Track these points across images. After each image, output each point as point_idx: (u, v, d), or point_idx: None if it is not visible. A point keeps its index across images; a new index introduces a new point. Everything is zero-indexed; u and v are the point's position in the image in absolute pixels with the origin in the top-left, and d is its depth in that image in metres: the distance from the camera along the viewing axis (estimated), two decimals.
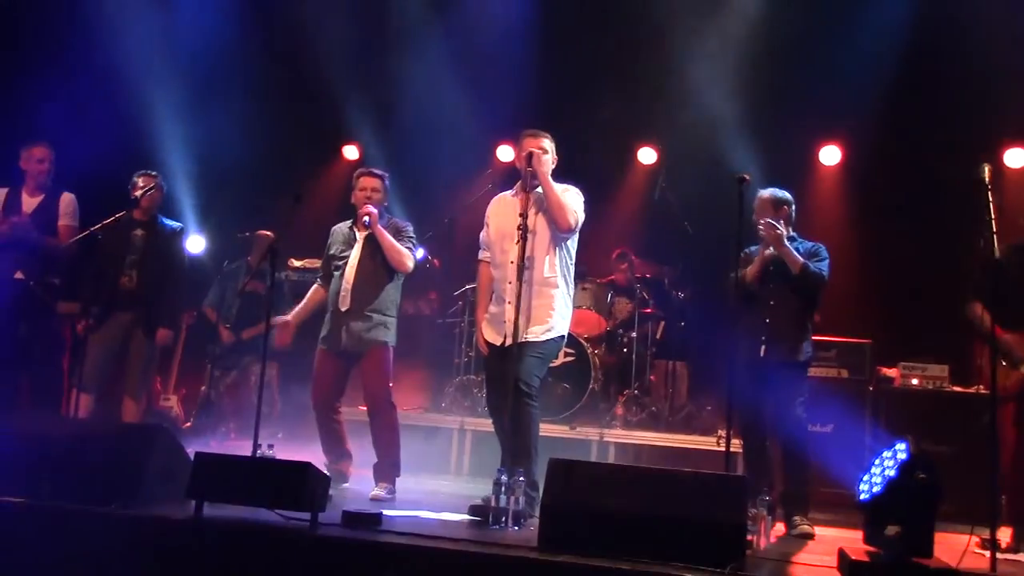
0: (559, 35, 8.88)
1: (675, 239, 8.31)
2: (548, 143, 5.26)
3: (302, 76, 9.43)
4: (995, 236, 4.79)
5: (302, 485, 4.19)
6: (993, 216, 4.80)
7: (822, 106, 8.46)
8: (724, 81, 8.46)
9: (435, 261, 8.51)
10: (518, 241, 5.02)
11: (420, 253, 7.64)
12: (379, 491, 5.53)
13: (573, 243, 5.33)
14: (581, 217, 5.21)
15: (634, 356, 7.96)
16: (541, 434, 5.24)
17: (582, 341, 7.60)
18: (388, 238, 5.69)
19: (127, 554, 4.10)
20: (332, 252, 5.91)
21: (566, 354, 7.42)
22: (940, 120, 8.12)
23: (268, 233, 8.30)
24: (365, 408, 5.85)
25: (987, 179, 4.80)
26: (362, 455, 5.89)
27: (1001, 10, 7.48)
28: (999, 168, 8.23)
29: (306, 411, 6.02)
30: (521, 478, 4.66)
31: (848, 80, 8.11)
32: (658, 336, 8.39)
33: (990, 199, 4.82)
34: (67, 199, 6.71)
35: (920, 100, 8.24)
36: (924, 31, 7.96)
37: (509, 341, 4.98)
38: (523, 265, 4.97)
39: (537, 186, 5.16)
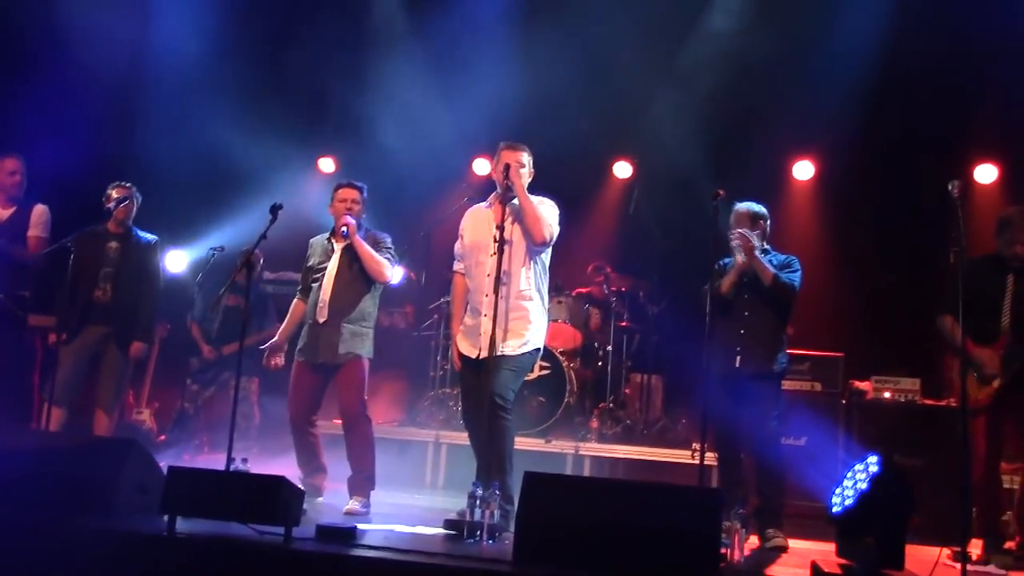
0: (535, 49, 8.91)
1: (650, 253, 8.36)
2: (526, 156, 5.29)
3: (278, 88, 9.42)
4: (965, 251, 4.87)
5: (276, 499, 4.17)
6: (963, 231, 4.87)
7: (796, 121, 8.54)
8: (699, 96, 8.52)
9: (412, 274, 8.50)
10: (493, 253, 5.03)
11: (399, 272, 7.64)
12: (354, 505, 5.51)
13: (547, 256, 5.35)
14: (556, 230, 5.23)
15: (609, 369, 7.99)
16: (516, 447, 5.24)
17: (557, 354, 7.61)
18: (366, 248, 5.69)
19: (100, 569, 4.07)
20: (310, 264, 5.90)
21: (541, 367, 7.44)
22: (912, 136, 8.21)
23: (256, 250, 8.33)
24: (340, 421, 5.83)
25: (957, 195, 4.88)
26: (337, 469, 5.86)
27: (973, 28, 7.58)
28: (970, 184, 8.33)
29: (283, 424, 5.99)
30: (496, 492, 4.66)
31: (821, 96, 8.19)
32: (633, 349, 8.42)
33: (960, 215, 4.90)
34: (39, 210, 6.65)
35: (892, 116, 8.34)
36: (897, 48, 8.06)
37: (484, 354, 4.99)
38: (499, 278, 4.98)
39: (513, 198, 5.18)
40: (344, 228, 5.68)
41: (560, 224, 5.30)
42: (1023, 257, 5.40)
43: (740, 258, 5.56)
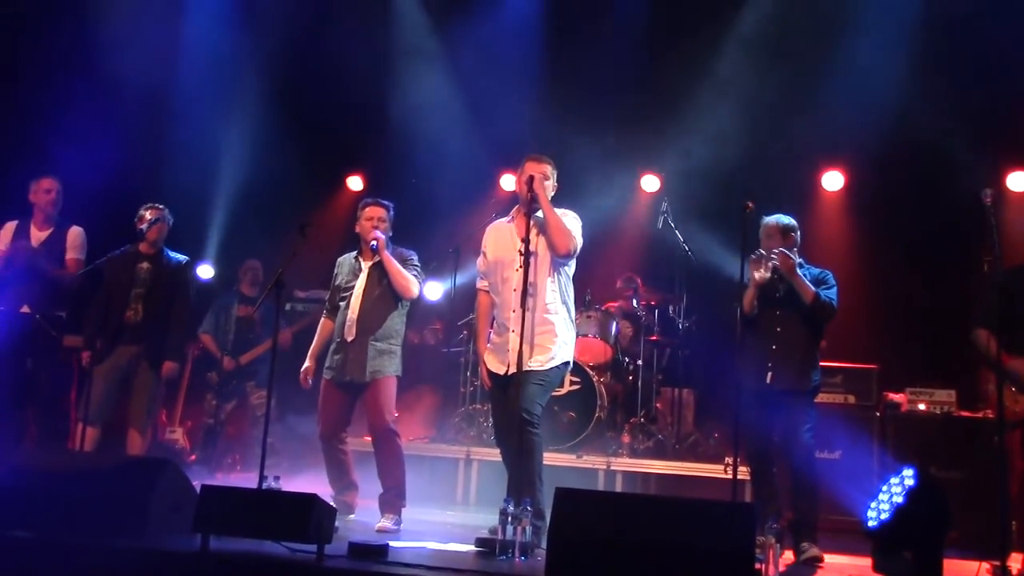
0: (562, 63, 8.94)
1: (679, 267, 8.32)
2: (550, 169, 5.28)
3: (307, 106, 9.50)
4: (999, 260, 4.81)
5: (308, 517, 4.17)
6: (996, 240, 4.82)
7: (824, 132, 8.49)
8: (726, 108, 8.50)
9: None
10: (519, 268, 5.03)
11: (439, 288, 7.65)
12: (385, 522, 5.51)
13: (572, 269, 5.33)
14: (580, 242, 5.22)
15: (640, 384, 7.95)
16: (548, 463, 5.22)
17: (588, 369, 7.58)
18: (395, 264, 5.71)
19: None
20: (338, 283, 5.93)
21: (572, 382, 7.41)
22: (943, 144, 8.12)
23: (255, 261, 8.40)
24: (370, 439, 5.84)
25: (990, 204, 4.83)
26: (368, 486, 5.87)
27: (1003, 36, 7.50)
28: (1002, 192, 8.23)
29: (306, 442, 6.02)
30: (528, 508, 4.64)
31: (850, 105, 8.14)
32: (664, 363, 8.37)
33: (993, 223, 4.84)
34: (74, 232, 6.75)
35: (922, 124, 8.24)
36: (926, 56, 8.00)
37: (512, 370, 4.98)
38: (526, 291, 4.97)
39: (537, 210, 5.17)
40: (374, 243, 5.70)
41: (586, 238, 5.29)
42: None
43: (757, 275, 5.50)
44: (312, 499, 4.24)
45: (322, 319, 6.03)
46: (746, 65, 8.47)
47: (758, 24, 8.62)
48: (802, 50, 8.35)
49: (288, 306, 8.20)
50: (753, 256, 5.48)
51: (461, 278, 8.35)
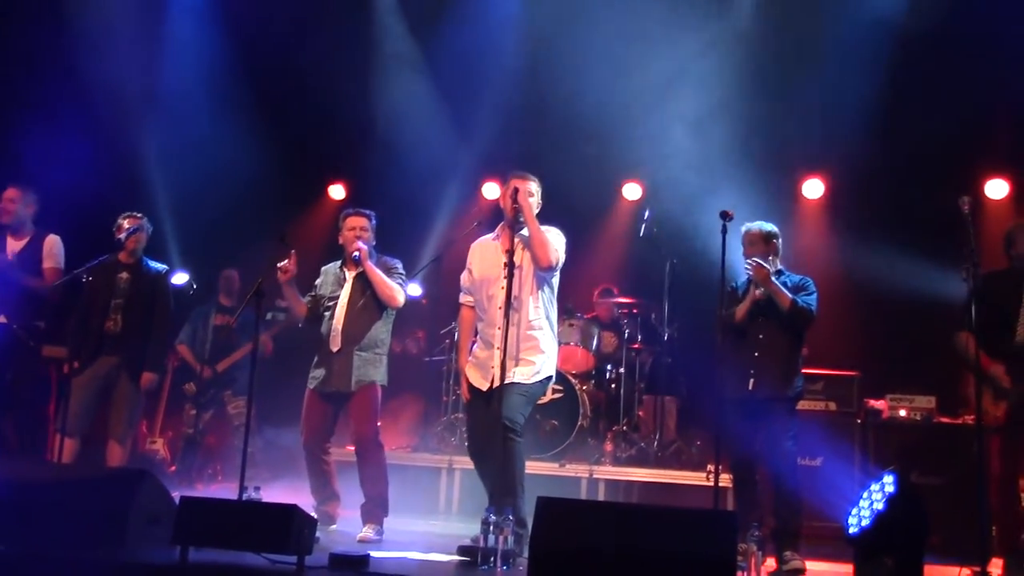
0: (544, 71, 8.94)
1: (662, 274, 8.33)
2: (534, 186, 5.30)
3: (289, 114, 9.47)
4: (977, 266, 4.85)
5: (288, 528, 4.15)
6: (975, 247, 4.85)
7: (805, 140, 8.54)
8: (707, 116, 8.53)
9: (423, 300, 8.51)
10: (503, 287, 5.03)
11: (417, 289, 7.65)
12: (367, 532, 5.49)
13: (555, 283, 5.34)
14: (562, 256, 5.25)
15: (622, 392, 7.95)
16: (530, 472, 5.22)
17: (570, 377, 7.59)
18: (378, 274, 5.70)
19: None
20: (321, 292, 5.90)
21: (554, 391, 7.39)
22: (922, 152, 8.17)
23: (233, 271, 8.38)
24: (352, 448, 5.82)
25: (967, 211, 4.87)
26: (350, 496, 5.85)
27: (983, 42, 7.55)
28: (981, 199, 8.30)
29: (285, 452, 5.99)
30: (509, 517, 4.63)
31: (831, 113, 8.19)
32: (646, 371, 8.38)
33: (971, 231, 4.88)
34: (51, 241, 6.69)
35: (902, 132, 8.30)
36: (906, 64, 8.05)
37: (497, 383, 4.97)
38: (510, 304, 4.97)
39: (522, 226, 5.18)
40: (356, 253, 5.69)
41: (570, 247, 5.31)
42: None
43: (759, 292, 5.52)
44: (292, 510, 4.21)
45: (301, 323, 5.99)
46: (728, 74, 8.50)
47: (740, 34, 8.65)
48: (782, 58, 8.39)
49: (269, 315, 8.16)
50: (750, 264, 5.49)
51: (443, 286, 8.33)
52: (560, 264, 5.24)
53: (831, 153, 8.74)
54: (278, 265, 5.64)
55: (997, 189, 8.55)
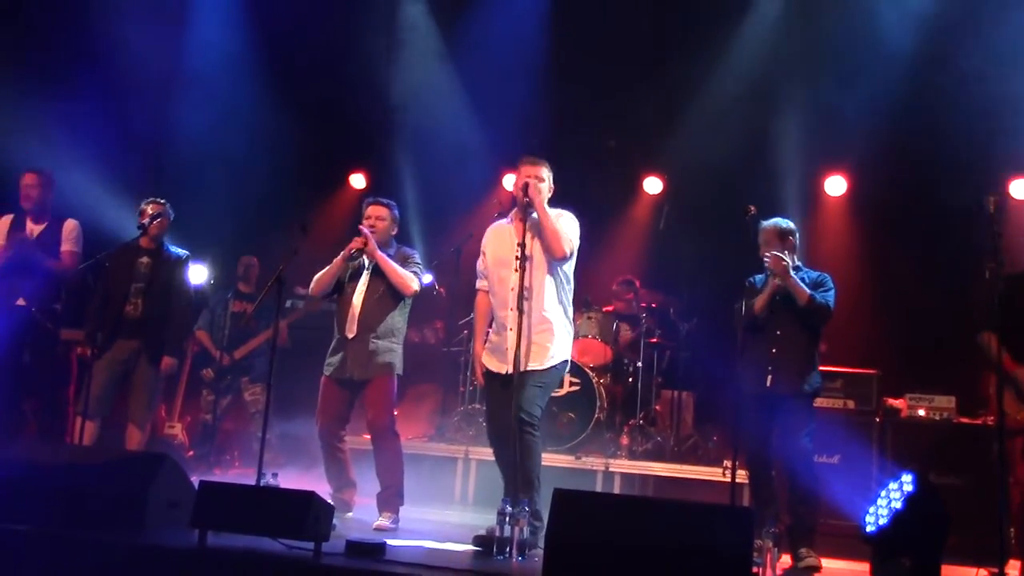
0: (567, 64, 8.92)
1: (680, 269, 8.32)
2: (545, 171, 5.27)
3: (309, 103, 9.49)
4: (1002, 266, 4.81)
5: (306, 514, 4.17)
6: (999, 246, 4.82)
7: (827, 136, 8.48)
8: (730, 112, 8.49)
9: (440, 289, 8.52)
10: (516, 269, 5.02)
11: (428, 278, 7.66)
12: (383, 521, 5.51)
13: (570, 269, 5.31)
14: (576, 244, 5.22)
15: (639, 386, 7.93)
16: (546, 464, 5.22)
17: (587, 370, 7.58)
18: (388, 262, 5.70)
19: None
20: (342, 279, 5.91)
21: (571, 383, 7.41)
22: (946, 151, 8.09)
23: (253, 258, 8.41)
24: (368, 437, 5.84)
25: (992, 210, 4.83)
26: (366, 485, 5.86)
27: (1007, 41, 7.49)
28: (1006, 199, 8.22)
29: (299, 440, 6.00)
30: (525, 508, 4.63)
31: (853, 110, 8.13)
32: (664, 366, 8.37)
33: (995, 230, 4.84)
34: (70, 225, 6.73)
35: (926, 130, 8.23)
36: (930, 60, 7.98)
37: (511, 370, 4.97)
38: (522, 294, 4.97)
39: (533, 214, 5.17)
40: (358, 244, 5.66)
41: (588, 239, 5.29)
42: None
43: (777, 281, 5.50)
44: (310, 496, 4.23)
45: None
46: (749, 68, 8.46)
47: (763, 28, 8.61)
48: (804, 53, 8.34)
49: (288, 303, 8.18)
50: (768, 257, 5.47)
51: (462, 277, 8.34)
52: (574, 252, 5.21)
53: (854, 150, 8.67)
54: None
55: (1022, 189, 8.46)
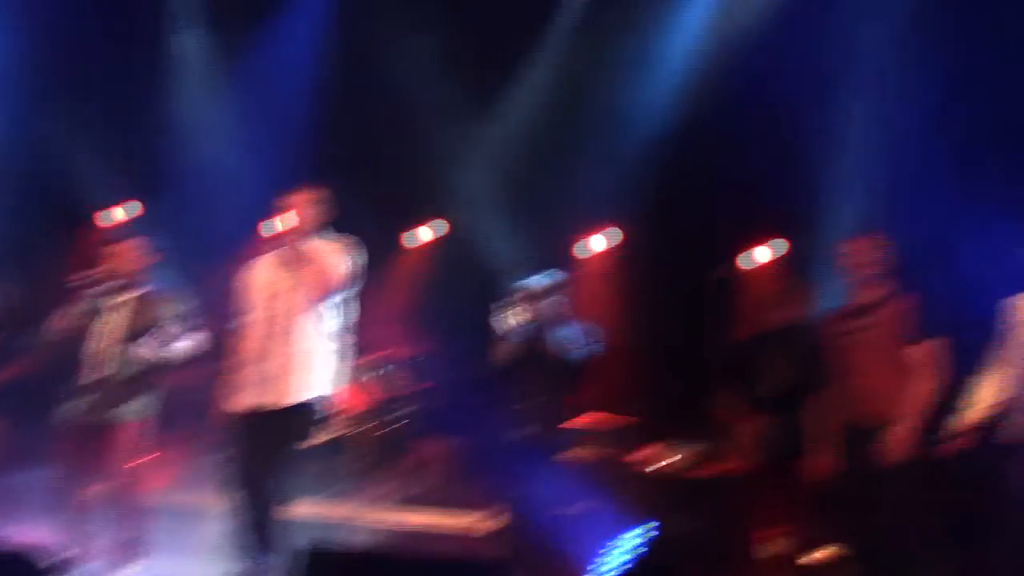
0: (339, 109, 8.90)
1: (454, 315, 8.38)
2: (313, 201, 5.17)
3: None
4: (743, 324, 5.17)
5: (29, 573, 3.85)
6: (737, 308, 5.17)
7: (592, 193, 8.77)
8: (492, 162, 8.72)
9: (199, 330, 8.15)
10: (277, 300, 4.92)
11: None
12: (122, 574, 5.27)
13: (339, 303, 5.22)
14: (345, 278, 5.14)
15: (403, 432, 7.91)
16: (300, 513, 5.09)
17: (350, 415, 7.48)
18: (145, 300, 5.45)
19: None
20: (82, 318, 5.59)
21: (333, 428, 7.27)
22: (695, 217, 8.51)
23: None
24: (106, 485, 5.50)
25: (728, 275, 5.21)
26: (106, 535, 5.53)
27: (751, 112, 7.98)
28: (748, 262, 8.74)
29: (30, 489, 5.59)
30: (267, 558, 4.50)
31: (616, 170, 8.50)
32: (430, 412, 8.37)
33: (733, 293, 5.21)
34: None
35: (685, 190, 8.59)
36: (687, 122, 8.43)
37: (266, 404, 4.84)
38: (284, 326, 4.87)
39: (300, 244, 5.08)
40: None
41: (360, 274, 5.23)
42: (780, 327, 5.71)
43: (516, 324, 5.64)
44: (24, 555, 3.91)
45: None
46: (514, 121, 8.75)
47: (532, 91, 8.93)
48: (568, 109, 8.70)
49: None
50: (511, 305, 5.62)
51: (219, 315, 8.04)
52: (343, 286, 5.12)
53: (619, 207, 9.01)
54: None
55: (764, 254, 8.97)
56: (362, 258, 5.24)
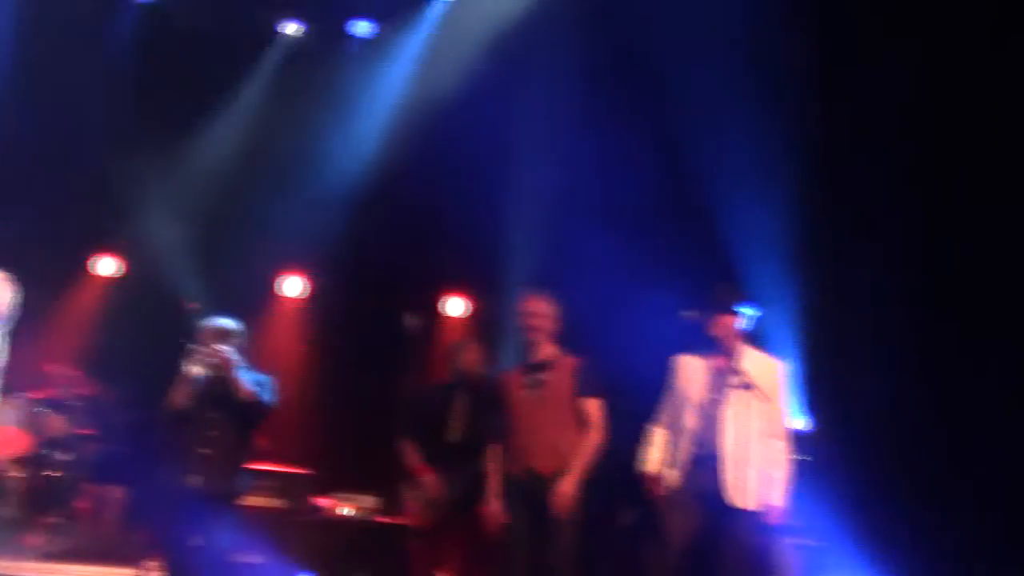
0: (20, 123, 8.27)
1: (125, 357, 7.95)
2: None
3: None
4: (418, 376, 5.28)
5: None
6: (420, 359, 5.29)
7: (286, 237, 8.70)
8: (183, 201, 8.46)
9: None
10: None
11: None
12: None
13: None
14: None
15: (63, 479, 7.33)
16: None
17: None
18: None
19: None
20: None
21: None
22: (391, 264, 8.70)
23: None
24: None
25: (413, 326, 5.32)
26: None
27: (442, 172, 8.26)
28: (438, 315, 9.00)
29: None
30: None
31: (311, 213, 8.49)
32: (93, 459, 7.82)
33: (417, 345, 5.33)
34: None
35: (376, 238, 8.75)
36: (382, 177, 8.59)
37: None
38: None
39: None
40: None
41: (14, 311, 4.85)
42: (466, 375, 5.90)
43: (195, 371, 5.46)
44: None
45: None
46: (207, 154, 8.57)
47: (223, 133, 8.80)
48: (269, 152, 8.65)
49: None
50: (191, 351, 5.42)
51: None
52: None
53: (313, 252, 8.97)
54: None
55: (456, 306, 9.27)
56: (18, 294, 4.86)
